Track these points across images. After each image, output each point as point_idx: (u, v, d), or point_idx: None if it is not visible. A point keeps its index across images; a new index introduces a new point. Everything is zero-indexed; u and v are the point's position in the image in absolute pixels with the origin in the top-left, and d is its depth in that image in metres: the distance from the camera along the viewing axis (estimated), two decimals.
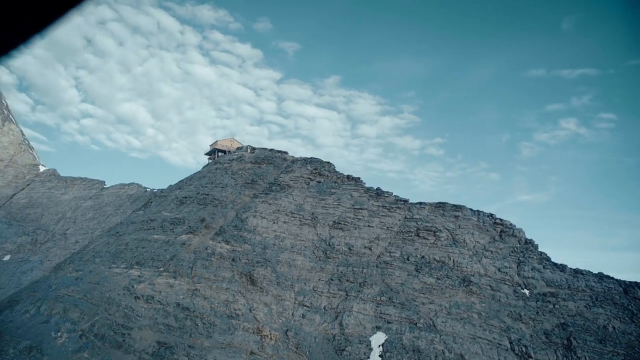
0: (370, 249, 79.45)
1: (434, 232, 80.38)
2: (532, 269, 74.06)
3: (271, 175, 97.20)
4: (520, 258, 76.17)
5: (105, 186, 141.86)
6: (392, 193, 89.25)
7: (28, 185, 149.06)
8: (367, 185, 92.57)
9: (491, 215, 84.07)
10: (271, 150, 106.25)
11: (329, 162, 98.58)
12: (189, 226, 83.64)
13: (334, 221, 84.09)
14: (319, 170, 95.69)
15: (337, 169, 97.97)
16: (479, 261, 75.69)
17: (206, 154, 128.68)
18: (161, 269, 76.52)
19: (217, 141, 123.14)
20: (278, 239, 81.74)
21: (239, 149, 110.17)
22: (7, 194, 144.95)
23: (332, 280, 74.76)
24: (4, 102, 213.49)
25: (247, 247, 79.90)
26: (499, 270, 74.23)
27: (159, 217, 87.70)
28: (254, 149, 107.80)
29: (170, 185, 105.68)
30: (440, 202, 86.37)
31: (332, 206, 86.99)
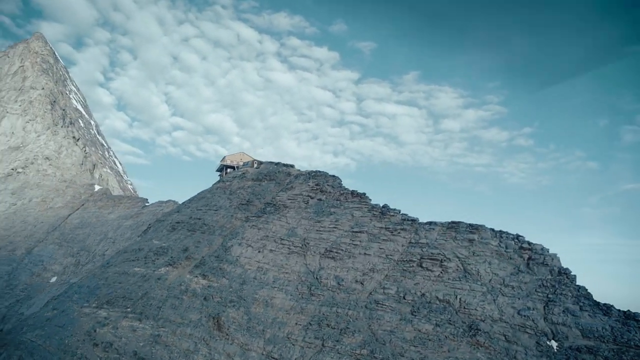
0: (362, 283, 64.30)
1: (441, 261, 63.26)
2: (564, 311, 54.65)
3: (270, 194, 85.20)
4: (550, 295, 56.78)
5: (146, 204, 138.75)
6: (399, 211, 72.95)
7: (82, 205, 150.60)
8: (373, 202, 77.00)
9: (517, 237, 64.61)
10: (277, 164, 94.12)
11: (334, 176, 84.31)
12: (171, 257, 74.23)
13: (327, 248, 69.83)
14: (321, 187, 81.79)
15: (343, 184, 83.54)
16: (494, 300, 57.67)
17: (217, 170, 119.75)
18: (129, 309, 67.67)
19: (225, 157, 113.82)
20: (260, 272, 69.26)
21: (244, 164, 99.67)
22: (63, 215, 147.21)
23: (310, 324, 60.95)
24: (70, 120, 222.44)
25: (224, 283, 68.52)
26: (518, 313, 55.78)
27: (147, 246, 79.43)
28: (260, 163, 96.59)
29: (173, 208, 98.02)
30: (453, 222, 68.42)
31: (327, 229, 72.80)
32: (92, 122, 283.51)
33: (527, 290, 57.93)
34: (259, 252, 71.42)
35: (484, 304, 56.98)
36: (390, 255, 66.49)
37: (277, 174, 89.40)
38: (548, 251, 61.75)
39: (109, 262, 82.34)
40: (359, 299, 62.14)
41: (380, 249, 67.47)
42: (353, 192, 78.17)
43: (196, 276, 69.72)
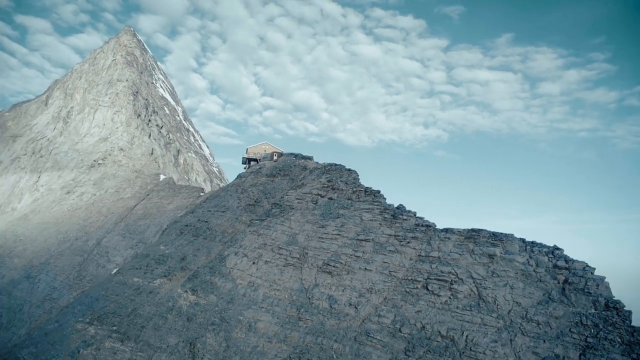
0: (356, 307, 52.25)
1: (451, 282, 49.12)
2: None
3: (281, 192, 74.76)
4: (590, 339, 40.88)
5: (201, 194, 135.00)
6: (414, 214, 58.96)
7: (147, 195, 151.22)
8: (387, 202, 63.62)
9: (553, 251, 48.13)
10: (296, 155, 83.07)
11: (349, 170, 71.49)
12: (168, 267, 67.29)
13: (325, 260, 58.30)
14: (333, 183, 69.59)
15: (359, 179, 70.60)
16: (510, 341, 43.00)
17: (242, 163, 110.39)
18: (115, 327, 61.84)
19: (248, 148, 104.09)
20: (251, 288, 59.63)
21: (264, 157, 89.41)
22: (130, 205, 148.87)
23: (291, 358, 50.68)
24: (153, 109, 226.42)
25: (211, 300, 60.06)
26: None
27: (153, 252, 73.29)
28: (280, 155, 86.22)
29: (189, 209, 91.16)
30: (473, 230, 53.21)
31: (330, 236, 61.05)
32: (179, 109, 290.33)
33: (558, 329, 42.48)
34: (254, 263, 61.93)
35: (497, 346, 42.64)
36: (394, 271, 53.52)
37: (292, 169, 78.82)
38: (592, 272, 45.00)
39: (120, 269, 78.19)
40: (350, 328, 50.41)
41: (384, 262, 54.65)
42: (367, 190, 65.36)
43: (186, 291, 62.07)
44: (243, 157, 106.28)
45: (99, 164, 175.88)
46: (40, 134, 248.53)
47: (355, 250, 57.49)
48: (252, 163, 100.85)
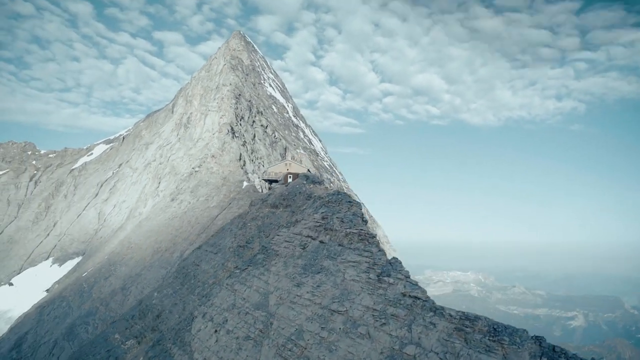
0: None
1: None
2: None
3: (274, 230, 59.88)
4: None
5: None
6: (405, 276, 40.32)
7: (229, 204, 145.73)
8: (380, 253, 45.27)
9: None
10: (307, 179, 66.78)
11: (350, 203, 53.63)
12: (144, 324, 57.25)
13: (288, 337, 42.71)
14: (327, 221, 52.52)
15: (360, 212, 52.56)
16: None
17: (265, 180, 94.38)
18: None
19: (268, 169, 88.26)
20: None
21: (278, 180, 73.93)
22: (213, 215, 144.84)
23: None
24: (258, 109, 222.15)
25: None
26: None
27: (145, 301, 64.04)
28: (296, 176, 70.70)
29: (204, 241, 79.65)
30: (467, 317, 33.41)
31: (303, 300, 44.92)
32: (289, 105, 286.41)
33: None
34: (216, 331, 48.68)
35: None
36: None
37: (295, 198, 63.46)
38: None
39: (115, 320, 70.78)
40: None
41: (348, 353, 37.71)
42: (360, 234, 47.90)
43: None
44: (263, 179, 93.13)
45: (195, 171, 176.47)
46: (166, 141, 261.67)
47: (322, 327, 41.15)
48: (272, 185, 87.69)
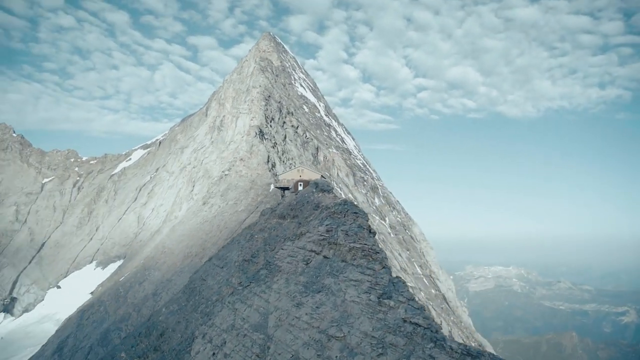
0: None
1: None
2: None
3: (280, 243, 56.49)
4: None
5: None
6: (409, 297, 36.10)
7: (257, 208, 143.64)
8: (383, 271, 41.11)
9: None
10: (316, 186, 62.71)
11: (356, 214, 49.24)
12: (147, 345, 55.14)
13: None
14: (332, 234, 48.62)
15: (366, 224, 48.22)
16: None
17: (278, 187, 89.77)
18: None
19: (279, 177, 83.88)
20: None
21: (288, 188, 70.06)
22: (241, 219, 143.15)
23: None
24: (288, 110, 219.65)
25: None
26: None
27: (153, 318, 62.07)
28: (307, 183, 66.89)
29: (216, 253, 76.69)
30: (469, 352, 29.08)
31: (302, 323, 41.19)
32: (321, 104, 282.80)
33: None
34: (214, 354, 45.64)
35: None
36: None
37: (303, 207, 59.77)
38: None
39: (126, 335, 69.20)
40: None
41: None
42: (364, 249, 44.02)
43: None
44: (274, 186, 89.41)
45: (225, 174, 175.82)
46: (200, 144, 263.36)
47: (318, 355, 37.55)
48: (285, 193, 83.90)
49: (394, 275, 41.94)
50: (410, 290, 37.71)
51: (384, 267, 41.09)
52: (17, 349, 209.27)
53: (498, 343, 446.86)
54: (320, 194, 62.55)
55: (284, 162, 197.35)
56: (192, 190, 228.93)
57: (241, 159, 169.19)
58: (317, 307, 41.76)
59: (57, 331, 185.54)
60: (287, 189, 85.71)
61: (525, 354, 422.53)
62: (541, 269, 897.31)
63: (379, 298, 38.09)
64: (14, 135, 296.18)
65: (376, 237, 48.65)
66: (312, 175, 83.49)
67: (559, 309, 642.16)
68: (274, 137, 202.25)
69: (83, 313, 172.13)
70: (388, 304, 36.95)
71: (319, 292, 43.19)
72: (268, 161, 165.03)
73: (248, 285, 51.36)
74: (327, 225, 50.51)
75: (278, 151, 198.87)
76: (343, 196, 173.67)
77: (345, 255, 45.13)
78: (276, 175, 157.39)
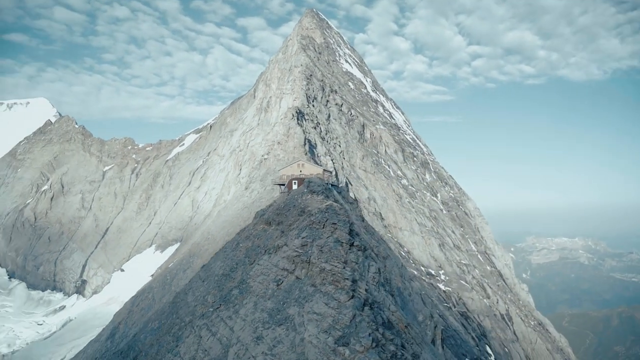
0: None
1: None
2: None
3: (261, 254, 48.44)
4: None
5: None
6: (367, 345, 27.69)
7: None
8: (349, 303, 32.57)
9: None
10: (308, 186, 53.54)
11: (334, 225, 40.12)
12: None
13: None
14: (306, 250, 40.06)
15: (346, 238, 39.22)
16: None
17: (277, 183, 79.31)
18: None
19: (280, 171, 73.55)
20: None
21: (282, 188, 61.02)
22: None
23: None
24: (331, 88, 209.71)
25: None
26: None
27: (138, 334, 56.66)
28: (301, 181, 57.99)
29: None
30: None
31: None
32: (367, 80, 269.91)
33: None
34: None
35: None
36: None
37: (288, 213, 51.38)
38: None
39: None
40: None
41: None
42: (333, 272, 35.51)
43: None
44: (274, 184, 79.86)
45: (265, 158, 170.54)
46: (248, 126, 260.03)
47: None
48: (281, 189, 75.11)
49: (381, 293, 33.68)
50: (379, 329, 29.24)
51: (352, 297, 32.80)
52: (87, 329, 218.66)
53: (564, 317, 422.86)
54: (308, 197, 53.79)
55: (327, 141, 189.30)
56: (239, 174, 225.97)
57: (278, 143, 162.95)
58: (274, 345, 34.17)
59: (114, 315, 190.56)
60: (283, 185, 77.23)
61: (594, 328, 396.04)
62: (610, 240, 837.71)
63: (335, 343, 29.92)
64: (76, 126, 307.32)
65: (360, 252, 40.05)
66: (314, 169, 74.63)
67: (631, 281, 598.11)
68: (316, 117, 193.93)
69: (135, 299, 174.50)
70: (343, 353, 28.75)
71: (281, 324, 35.55)
72: (305, 144, 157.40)
73: (218, 308, 44.48)
74: (303, 238, 42.40)
75: (321, 131, 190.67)
76: (352, 195, 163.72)
77: (315, 278, 37.07)
78: (312, 158, 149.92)
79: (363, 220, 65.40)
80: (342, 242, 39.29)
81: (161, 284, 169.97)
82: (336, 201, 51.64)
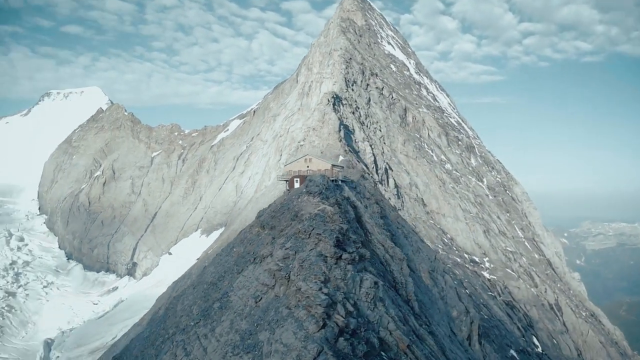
0: None
1: None
2: None
3: (249, 263, 44.23)
4: None
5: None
6: None
7: None
8: (316, 336, 28.51)
9: None
10: (307, 185, 48.29)
11: (319, 235, 35.29)
12: None
13: None
14: (287, 264, 35.58)
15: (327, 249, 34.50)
16: None
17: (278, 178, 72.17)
18: None
19: (285, 166, 67.28)
20: None
21: (284, 181, 55.92)
22: None
23: None
24: (372, 72, 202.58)
25: None
26: None
27: (135, 341, 54.43)
28: (303, 179, 53.00)
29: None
30: None
31: None
32: (411, 62, 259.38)
33: None
34: None
35: None
36: None
37: (281, 217, 46.56)
38: None
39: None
40: None
41: None
42: (308, 296, 31.07)
43: None
44: (279, 180, 73.66)
45: (301, 144, 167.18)
46: (290, 111, 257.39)
47: None
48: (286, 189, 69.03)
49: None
50: None
51: (322, 327, 28.72)
52: (137, 310, 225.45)
53: (621, 305, 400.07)
54: (304, 198, 47.94)
55: (367, 126, 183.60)
56: (280, 160, 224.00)
57: (314, 129, 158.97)
58: None
59: (156, 299, 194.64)
60: (287, 182, 71.33)
61: None
62: None
63: None
64: (126, 114, 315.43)
65: (351, 265, 35.97)
66: (322, 165, 69.16)
67: None
68: (355, 101, 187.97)
69: (176, 284, 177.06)
70: None
71: (249, 352, 31.62)
72: (340, 130, 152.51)
73: (198, 322, 41.09)
74: (286, 249, 38.01)
75: (360, 116, 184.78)
76: (392, 182, 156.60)
77: (291, 299, 32.86)
78: (346, 146, 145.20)
79: (383, 217, 60.63)
80: (326, 257, 34.89)
81: (199, 272, 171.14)
82: (339, 202, 47.10)
